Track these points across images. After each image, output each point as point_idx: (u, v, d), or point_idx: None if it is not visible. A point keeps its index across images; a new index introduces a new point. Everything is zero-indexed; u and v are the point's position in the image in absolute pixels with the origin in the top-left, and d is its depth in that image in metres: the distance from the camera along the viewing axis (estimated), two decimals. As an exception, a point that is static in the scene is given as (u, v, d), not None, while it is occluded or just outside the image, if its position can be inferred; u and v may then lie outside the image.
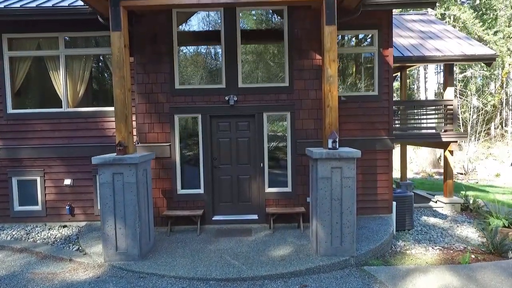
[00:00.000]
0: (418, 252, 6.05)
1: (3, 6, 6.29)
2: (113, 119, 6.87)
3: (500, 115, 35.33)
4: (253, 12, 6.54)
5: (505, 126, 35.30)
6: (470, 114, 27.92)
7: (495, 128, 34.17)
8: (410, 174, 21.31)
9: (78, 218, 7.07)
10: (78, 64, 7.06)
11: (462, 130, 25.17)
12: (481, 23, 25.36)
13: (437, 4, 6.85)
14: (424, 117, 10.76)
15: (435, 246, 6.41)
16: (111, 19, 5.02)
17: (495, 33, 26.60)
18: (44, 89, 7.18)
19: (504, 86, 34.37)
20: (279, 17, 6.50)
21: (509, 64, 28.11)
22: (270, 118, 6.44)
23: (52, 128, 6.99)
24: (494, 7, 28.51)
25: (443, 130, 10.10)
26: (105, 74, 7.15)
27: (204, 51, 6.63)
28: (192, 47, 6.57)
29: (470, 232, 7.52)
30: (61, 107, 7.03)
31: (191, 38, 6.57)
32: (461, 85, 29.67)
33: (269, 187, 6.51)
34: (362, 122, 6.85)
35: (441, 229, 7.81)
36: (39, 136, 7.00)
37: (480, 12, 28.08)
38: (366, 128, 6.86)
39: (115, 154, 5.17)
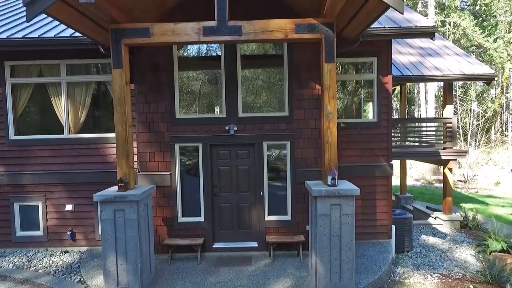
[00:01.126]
0: (416, 281, 6.11)
1: (5, 37, 6.34)
2: (114, 145, 6.93)
3: (500, 119, 35.39)
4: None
5: (505, 130, 35.37)
6: (470, 120, 27.98)
7: (495, 133, 34.23)
8: (410, 181, 21.35)
9: (80, 243, 7.13)
10: (79, 89, 7.11)
11: (462, 137, 25.17)
12: (481, 31, 25.40)
13: (436, 32, 6.93)
14: (424, 133, 10.82)
15: (434, 272, 6.46)
16: (112, 56, 5.07)
17: (495, 40, 26.65)
18: (46, 114, 7.24)
19: (505, 91, 34.44)
20: (278, 47, 6.55)
21: (509, 69, 28.16)
22: (270, 146, 6.49)
23: (54, 154, 7.05)
24: (494, 13, 28.53)
25: (442, 148, 10.15)
26: (107, 100, 7.20)
27: (205, 81, 6.67)
28: (193, 77, 6.62)
29: (469, 255, 7.57)
30: (63, 133, 7.09)
31: (192, 67, 6.62)
32: (461, 91, 29.74)
33: (269, 214, 6.56)
34: (361, 148, 6.89)
35: (440, 251, 7.86)
36: (41, 162, 7.05)
37: (480, 19, 28.09)
38: (365, 154, 6.91)
39: (116, 189, 5.22)
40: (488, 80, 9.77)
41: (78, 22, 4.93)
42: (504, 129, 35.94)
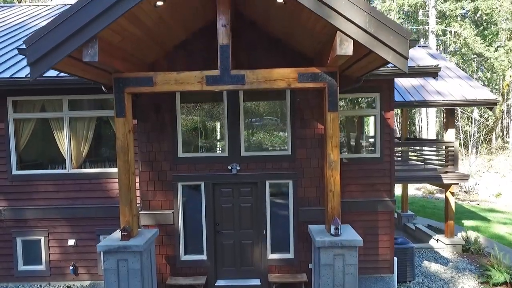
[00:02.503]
0: (419, 319, 6.11)
1: (8, 76, 6.34)
2: (116, 180, 6.93)
3: (501, 124, 35.39)
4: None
5: (506, 137, 35.36)
6: (471, 128, 27.97)
7: (496, 138, 34.22)
8: (411, 190, 21.31)
9: (82, 277, 7.13)
10: (81, 124, 7.12)
11: (463, 146, 25.13)
12: (482, 40, 25.38)
13: (438, 72, 6.94)
14: (427, 155, 10.80)
15: (436, 310, 6.47)
16: (116, 105, 5.06)
17: (496, 48, 26.61)
18: (48, 148, 7.24)
19: (505, 97, 34.40)
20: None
21: (510, 76, 28.15)
22: (273, 185, 6.49)
23: (56, 189, 7.06)
24: (495, 21, 28.50)
25: (444, 171, 10.14)
26: (109, 134, 7.20)
27: (207, 120, 6.67)
28: (196, 116, 6.62)
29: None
30: (65, 168, 7.09)
31: (194, 108, 6.63)
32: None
33: (271, 252, 6.56)
34: (363, 183, 6.89)
35: (442, 282, 7.86)
36: (43, 197, 7.06)
37: (481, 27, 28.07)
38: (368, 189, 6.90)
39: (119, 236, 5.22)
40: (490, 105, 9.76)
41: (81, 71, 4.94)
42: (505, 135, 35.96)
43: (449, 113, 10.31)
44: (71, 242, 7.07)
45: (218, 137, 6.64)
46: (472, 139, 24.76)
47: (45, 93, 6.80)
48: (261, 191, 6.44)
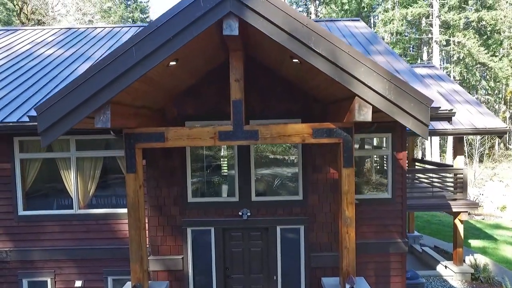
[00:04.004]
0: None
1: (16, 120, 6.24)
2: (124, 221, 6.85)
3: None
4: (267, 124, 6.49)
5: (508, 143, 35.25)
6: (475, 138, 27.86)
7: (498, 144, 34.13)
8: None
9: (89, 319, 7.04)
10: (89, 163, 7.02)
11: (467, 153, 24.99)
12: (486, 50, 25.27)
13: (453, 116, 6.86)
14: (437, 183, 10.67)
15: None
16: (126, 161, 4.95)
17: (501, 58, 26.50)
18: (55, 188, 7.14)
19: (508, 104, 34.30)
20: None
21: (514, 84, 28.06)
22: (284, 231, 6.39)
23: (63, 230, 6.96)
24: (499, 30, 28.39)
25: (452, 199, 10.03)
26: (116, 173, 7.10)
27: (217, 164, 6.57)
28: (206, 161, 6.52)
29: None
30: (72, 208, 7.00)
31: (204, 153, 6.53)
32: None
33: (282, 298, 6.46)
34: (375, 224, 6.78)
35: (453, 318, 7.75)
36: (50, 238, 6.96)
37: (484, 36, 27.96)
38: (379, 230, 6.80)
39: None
40: (500, 134, 9.66)
41: (91, 124, 4.83)
42: (507, 141, 35.88)
43: (458, 141, 10.20)
44: (78, 283, 6.98)
45: (229, 181, 6.53)
46: (477, 151, 24.63)
47: (52, 134, 6.69)
48: (272, 236, 6.33)
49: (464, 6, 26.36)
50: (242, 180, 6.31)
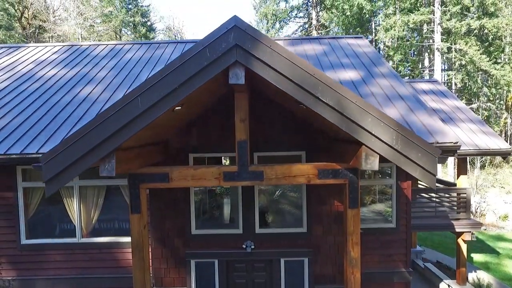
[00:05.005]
0: None
1: (19, 152, 6.22)
2: (128, 250, 6.82)
3: (505, 136, 35.25)
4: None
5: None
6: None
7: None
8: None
9: None
10: (92, 191, 7.00)
11: (469, 161, 24.94)
12: (487, 58, 25.20)
13: (458, 150, 6.86)
14: (439, 204, 10.63)
15: None
16: (130, 201, 4.93)
17: (503, 65, 26.43)
18: (58, 216, 7.11)
19: (510, 109, 34.27)
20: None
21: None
22: (287, 262, 6.36)
23: (66, 259, 6.93)
24: (501, 36, 28.33)
25: (456, 218, 9.99)
26: (119, 201, 7.07)
27: (221, 196, 6.55)
28: (209, 193, 6.50)
29: None
30: (75, 237, 6.97)
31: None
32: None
33: (286, 330, 6.44)
34: (379, 254, 6.76)
35: None
36: (53, 267, 6.94)
37: (486, 43, 27.90)
38: (383, 260, 6.77)
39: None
40: (503, 155, 9.61)
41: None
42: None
43: (461, 160, 10.16)
44: (81, 312, 6.95)
45: (232, 214, 6.51)
46: (478, 158, 24.58)
47: (55, 163, 6.67)
48: (276, 268, 6.31)
49: (466, 13, 26.30)
50: (246, 212, 6.28)
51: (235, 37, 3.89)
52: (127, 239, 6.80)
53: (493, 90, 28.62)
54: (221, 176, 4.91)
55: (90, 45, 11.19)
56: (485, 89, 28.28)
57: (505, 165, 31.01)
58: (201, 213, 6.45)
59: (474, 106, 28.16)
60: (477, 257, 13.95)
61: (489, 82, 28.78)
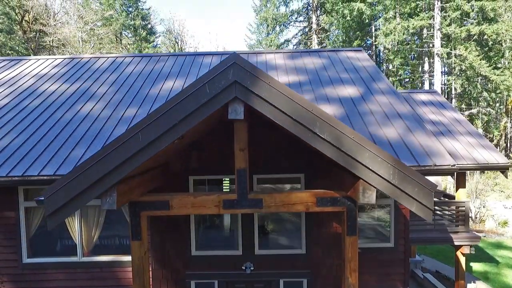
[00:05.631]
0: None
1: (20, 174, 6.28)
2: (129, 269, 6.88)
3: (505, 139, 35.32)
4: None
5: (510, 152, 35.28)
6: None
7: (500, 151, 34.10)
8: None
9: None
10: (92, 210, 7.07)
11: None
12: (487, 64, 25.24)
13: (455, 172, 6.96)
14: (438, 217, 10.69)
15: None
16: (131, 228, 4.99)
17: (502, 70, 26.45)
18: (59, 234, 7.17)
19: (510, 113, 34.33)
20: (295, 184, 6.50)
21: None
22: (287, 283, 6.42)
23: (67, 278, 7.00)
24: (501, 41, 28.36)
25: (454, 231, 10.05)
26: (121, 219, 7.13)
27: (221, 218, 6.61)
28: (209, 215, 6.56)
29: None
30: (76, 255, 7.04)
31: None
32: (467, 119, 29.64)
33: None
34: (378, 273, 6.81)
35: None
36: (54, 286, 7.00)
37: (486, 48, 27.94)
38: (382, 279, 6.83)
39: None
40: (502, 169, 9.67)
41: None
42: (509, 149, 35.90)
43: (460, 174, 10.22)
44: (82, 330, 7.01)
45: (232, 235, 6.57)
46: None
47: (56, 184, 6.74)
48: (275, 289, 6.38)
49: (465, 19, 26.35)
50: (245, 234, 6.35)
51: (235, 73, 3.95)
52: (128, 258, 6.85)
53: (493, 95, 28.67)
54: (220, 204, 4.97)
55: (91, 57, 11.26)
56: (485, 94, 28.32)
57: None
58: (201, 234, 6.51)
59: (474, 111, 28.21)
60: (476, 266, 14.00)
61: (489, 86, 28.83)
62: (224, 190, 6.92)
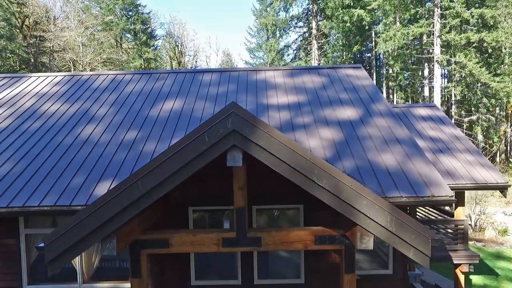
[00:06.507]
0: None
1: (21, 205, 6.32)
2: (128, 296, 6.92)
3: (505, 144, 35.32)
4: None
5: (510, 157, 35.30)
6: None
7: (499, 155, 34.15)
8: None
9: None
10: (93, 237, 7.09)
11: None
12: (487, 71, 25.23)
13: (453, 203, 7.01)
14: (437, 234, 10.72)
15: None
16: (131, 266, 5.03)
17: (502, 77, 26.43)
18: (59, 261, 7.21)
19: (510, 118, 34.31)
20: (294, 217, 6.53)
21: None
22: (286, 313, 6.47)
23: (68, 304, 7.04)
24: (500, 47, 28.36)
25: (453, 249, 10.08)
26: (120, 246, 7.17)
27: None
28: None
29: None
30: (76, 282, 7.07)
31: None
32: (466, 126, 29.66)
33: None
34: (376, 301, 6.85)
35: None
36: (54, 312, 7.04)
37: (486, 54, 27.94)
38: (381, 306, 6.87)
39: None
40: (501, 189, 9.69)
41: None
42: (508, 154, 35.92)
43: (459, 192, 10.24)
44: None
45: (231, 264, 6.60)
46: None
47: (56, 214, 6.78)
48: (275, 319, 6.42)
49: (465, 26, 26.37)
50: (244, 263, 6.38)
51: (233, 122, 3.99)
52: (128, 285, 6.89)
53: (493, 101, 28.68)
54: (219, 242, 5.02)
55: (91, 75, 11.29)
56: (484, 100, 28.32)
57: (505, 173, 31.07)
58: (200, 264, 6.54)
59: (474, 117, 28.21)
60: (476, 279, 14.01)
61: (488, 91, 28.84)
62: (225, 216, 6.96)
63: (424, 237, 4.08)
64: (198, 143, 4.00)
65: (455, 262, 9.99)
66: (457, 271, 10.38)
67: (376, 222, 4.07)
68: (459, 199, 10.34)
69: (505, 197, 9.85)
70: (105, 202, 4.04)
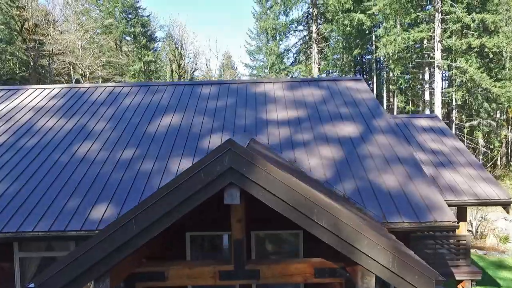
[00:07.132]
0: None
1: (14, 231, 6.20)
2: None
3: (506, 147, 35.23)
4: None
5: (510, 161, 35.20)
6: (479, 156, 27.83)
7: (500, 158, 34.04)
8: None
9: None
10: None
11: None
12: (488, 76, 25.08)
13: (456, 228, 6.86)
14: (439, 249, 10.58)
15: None
16: (126, 299, 4.91)
17: (504, 83, 26.28)
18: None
19: (510, 121, 34.20)
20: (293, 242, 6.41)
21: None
22: None
23: (63, 328, 6.90)
24: (501, 52, 28.21)
25: (455, 265, 9.96)
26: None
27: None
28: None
29: None
30: (72, 306, 6.95)
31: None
32: (467, 130, 29.52)
33: None
34: (377, 325, 6.72)
35: None
36: (50, 337, 6.91)
37: (487, 59, 27.79)
38: (382, 331, 6.73)
39: None
40: (503, 205, 9.56)
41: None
42: (509, 157, 35.81)
43: (461, 208, 10.12)
44: None
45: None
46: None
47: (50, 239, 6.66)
48: None
49: (466, 31, 26.24)
50: (243, 290, 6.26)
51: (230, 160, 3.86)
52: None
53: (494, 105, 28.53)
54: (217, 275, 4.90)
55: (89, 87, 11.17)
56: (485, 104, 28.16)
57: (505, 178, 30.96)
58: (198, 290, 6.43)
59: (475, 122, 28.06)
60: (478, 291, 13.89)
61: (489, 96, 28.70)
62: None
63: (428, 278, 3.94)
64: (194, 181, 3.87)
65: (457, 278, 9.88)
66: (459, 287, 10.27)
67: (378, 262, 3.94)
68: (461, 215, 10.23)
69: (508, 213, 9.71)
70: (96, 242, 3.92)
